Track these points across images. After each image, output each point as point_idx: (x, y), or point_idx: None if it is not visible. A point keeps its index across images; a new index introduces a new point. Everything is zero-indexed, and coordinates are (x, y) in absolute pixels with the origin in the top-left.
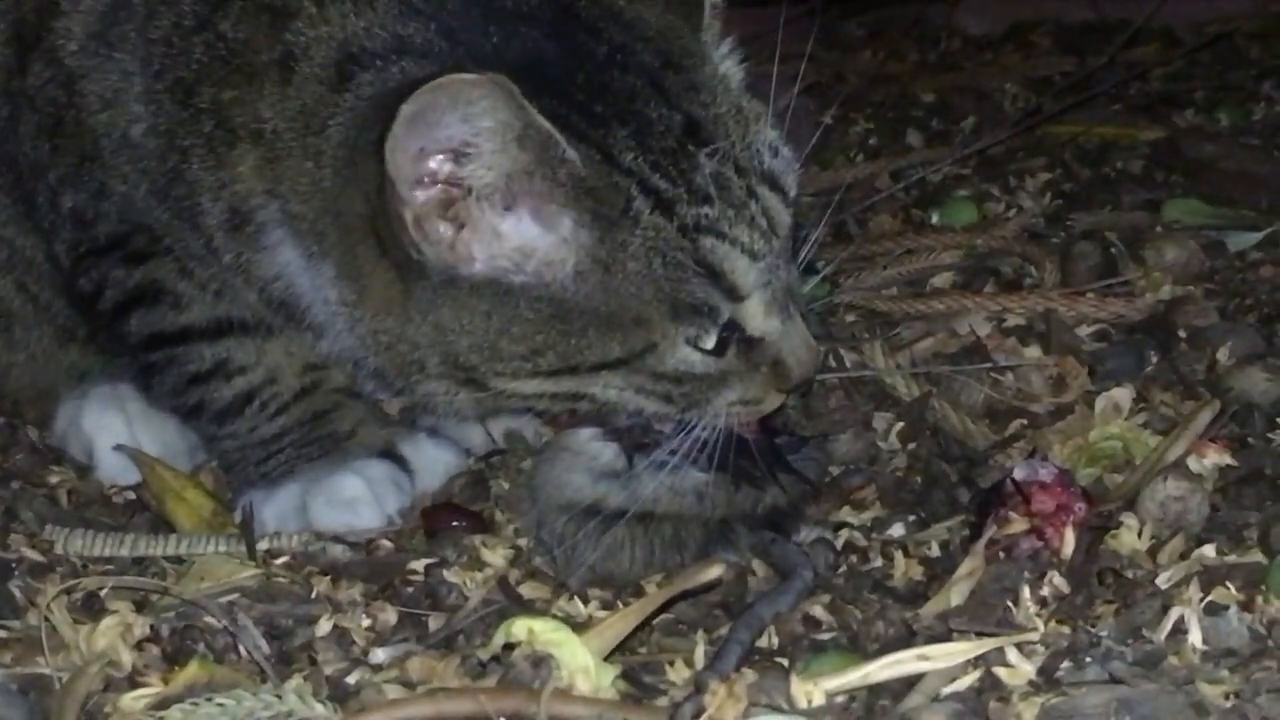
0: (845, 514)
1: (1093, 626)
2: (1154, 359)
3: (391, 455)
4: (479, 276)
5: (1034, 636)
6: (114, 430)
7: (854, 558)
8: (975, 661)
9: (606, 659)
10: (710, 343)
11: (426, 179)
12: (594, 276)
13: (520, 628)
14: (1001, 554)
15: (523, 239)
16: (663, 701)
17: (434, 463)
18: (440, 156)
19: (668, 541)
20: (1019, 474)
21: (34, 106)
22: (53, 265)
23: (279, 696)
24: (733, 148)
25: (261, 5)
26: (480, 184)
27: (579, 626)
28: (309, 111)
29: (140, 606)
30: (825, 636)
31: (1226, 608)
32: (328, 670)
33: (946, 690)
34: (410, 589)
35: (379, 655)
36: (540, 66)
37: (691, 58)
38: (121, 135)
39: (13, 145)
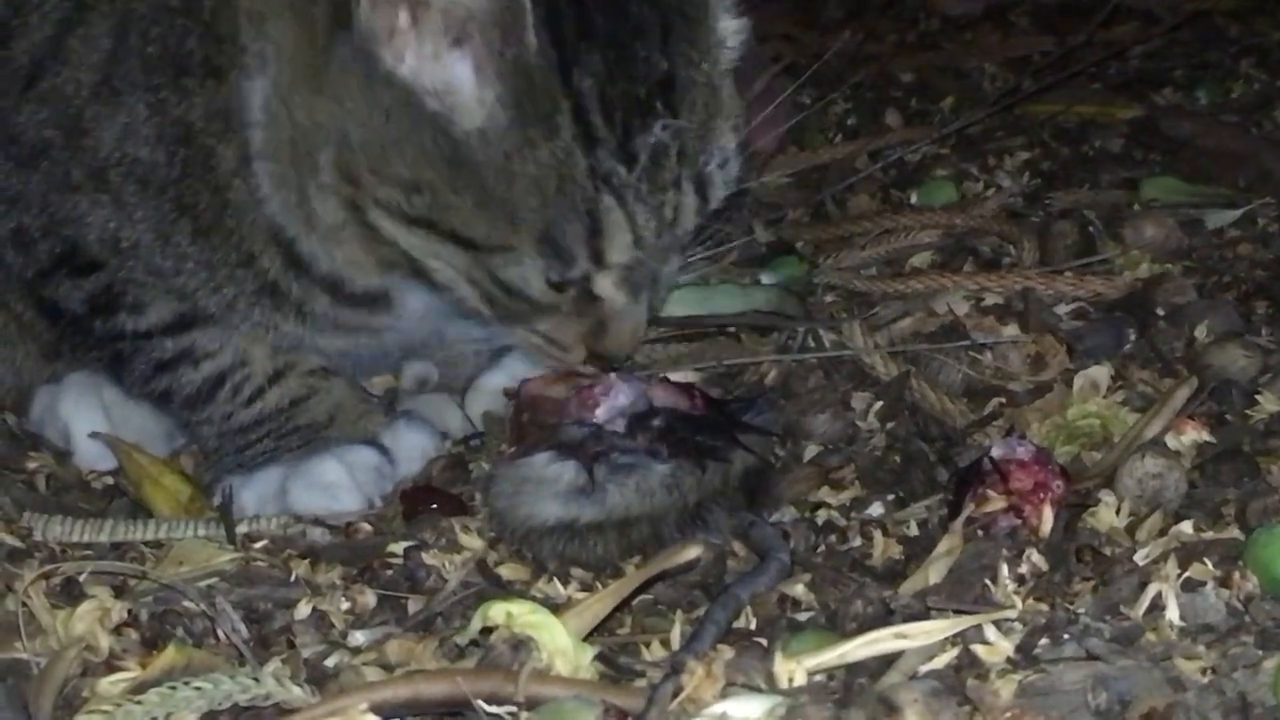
0: (824, 494)
1: (1070, 604)
2: (1132, 337)
3: (371, 441)
4: (397, 77)
5: (1012, 614)
6: (90, 416)
7: (833, 537)
8: (953, 639)
9: (585, 640)
10: (555, 278)
11: None
12: (495, 150)
13: (498, 611)
14: (980, 532)
15: (454, 77)
16: (640, 682)
17: (412, 447)
18: None
19: (645, 539)
20: (997, 452)
21: (12, 139)
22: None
23: (257, 680)
24: (689, 133)
25: None
26: (443, 4)
27: (558, 608)
28: None
29: (119, 591)
30: (803, 616)
31: (1204, 584)
32: (306, 653)
33: (924, 668)
34: (389, 572)
35: (358, 638)
36: None
37: (703, 16)
38: (134, 159)
39: None
